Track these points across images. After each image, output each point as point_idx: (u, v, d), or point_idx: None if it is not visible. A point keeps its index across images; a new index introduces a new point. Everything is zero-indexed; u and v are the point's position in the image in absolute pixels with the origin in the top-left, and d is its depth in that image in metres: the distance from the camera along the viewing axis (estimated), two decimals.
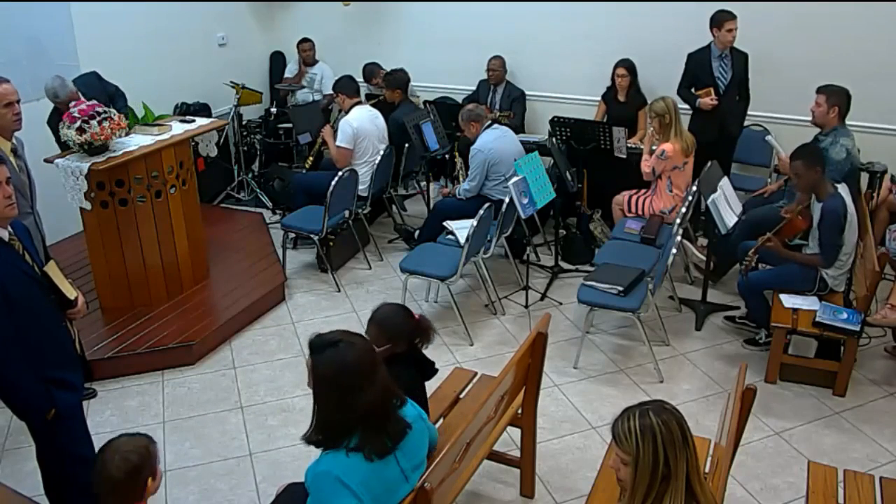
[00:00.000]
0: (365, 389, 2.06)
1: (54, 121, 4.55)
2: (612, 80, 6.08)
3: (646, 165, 5.06)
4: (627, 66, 5.97)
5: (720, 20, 5.24)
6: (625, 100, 6.08)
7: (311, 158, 6.13)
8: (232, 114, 6.71)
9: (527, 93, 6.55)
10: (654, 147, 5.05)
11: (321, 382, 2.09)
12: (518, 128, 6.17)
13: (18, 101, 3.60)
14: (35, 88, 4.73)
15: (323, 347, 2.10)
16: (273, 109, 7.06)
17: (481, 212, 4.51)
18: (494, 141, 5.16)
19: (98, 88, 5.03)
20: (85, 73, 5.06)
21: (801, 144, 4.38)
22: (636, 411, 1.95)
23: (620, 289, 4.13)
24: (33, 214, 3.74)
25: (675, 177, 5.03)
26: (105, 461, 2.13)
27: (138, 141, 4.50)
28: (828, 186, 4.07)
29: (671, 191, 5.05)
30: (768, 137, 5.28)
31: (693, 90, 5.48)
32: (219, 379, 4.27)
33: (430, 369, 2.85)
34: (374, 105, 5.87)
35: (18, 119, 3.59)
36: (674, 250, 4.23)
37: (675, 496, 1.91)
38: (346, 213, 5.43)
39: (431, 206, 5.81)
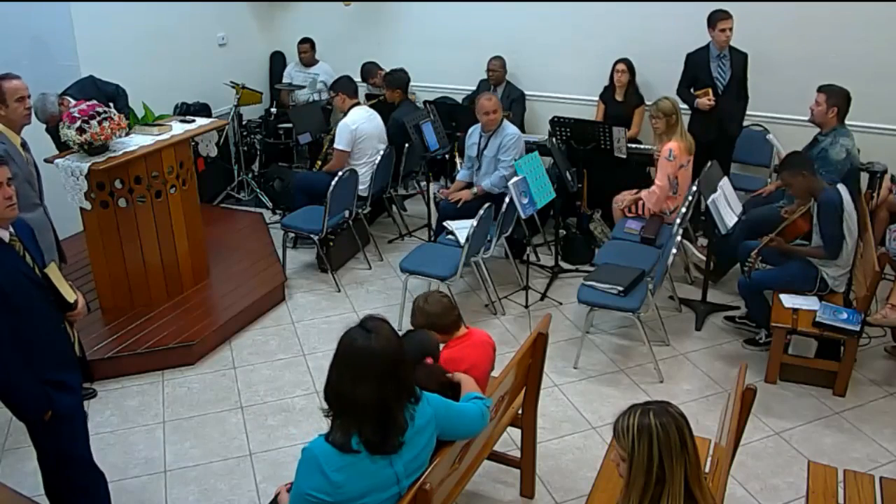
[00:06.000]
0: (358, 382, 2.06)
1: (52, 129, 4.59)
2: (611, 77, 6.08)
3: (659, 180, 4.93)
4: (627, 63, 5.97)
5: (714, 20, 5.25)
6: (622, 99, 6.07)
7: (318, 163, 6.11)
8: (232, 114, 6.71)
9: (527, 93, 6.54)
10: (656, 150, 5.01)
11: (335, 353, 2.14)
12: (518, 128, 6.15)
13: (28, 97, 3.77)
14: (35, 88, 4.69)
15: (360, 324, 2.15)
16: (273, 109, 7.06)
17: (481, 212, 4.51)
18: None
19: (94, 93, 4.97)
20: (82, 77, 5.06)
21: (782, 158, 4.42)
22: (639, 409, 1.95)
23: (620, 289, 4.13)
24: (42, 206, 3.84)
25: (680, 175, 5.00)
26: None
27: (138, 141, 4.50)
28: (822, 184, 4.09)
29: (675, 192, 5.03)
30: (769, 136, 5.27)
31: (692, 90, 5.49)
32: (219, 379, 4.27)
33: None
34: (373, 105, 5.86)
35: (29, 113, 3.77)
36: (674, 250, 4.23)
37: (672, 501, 1.90)
38: (346, 213, 5.42)
39: (431, 205, 5.79)
